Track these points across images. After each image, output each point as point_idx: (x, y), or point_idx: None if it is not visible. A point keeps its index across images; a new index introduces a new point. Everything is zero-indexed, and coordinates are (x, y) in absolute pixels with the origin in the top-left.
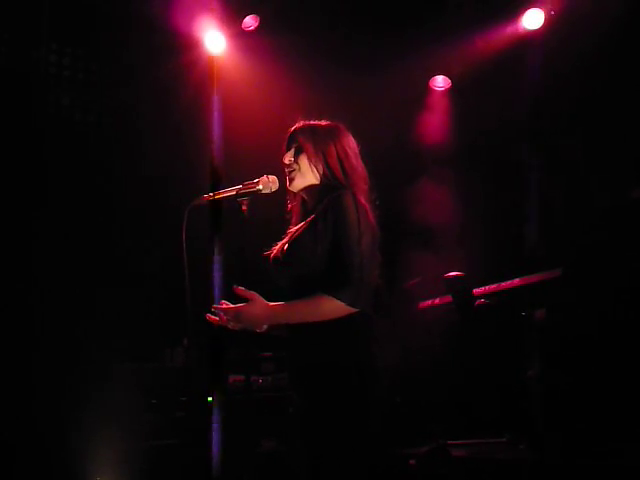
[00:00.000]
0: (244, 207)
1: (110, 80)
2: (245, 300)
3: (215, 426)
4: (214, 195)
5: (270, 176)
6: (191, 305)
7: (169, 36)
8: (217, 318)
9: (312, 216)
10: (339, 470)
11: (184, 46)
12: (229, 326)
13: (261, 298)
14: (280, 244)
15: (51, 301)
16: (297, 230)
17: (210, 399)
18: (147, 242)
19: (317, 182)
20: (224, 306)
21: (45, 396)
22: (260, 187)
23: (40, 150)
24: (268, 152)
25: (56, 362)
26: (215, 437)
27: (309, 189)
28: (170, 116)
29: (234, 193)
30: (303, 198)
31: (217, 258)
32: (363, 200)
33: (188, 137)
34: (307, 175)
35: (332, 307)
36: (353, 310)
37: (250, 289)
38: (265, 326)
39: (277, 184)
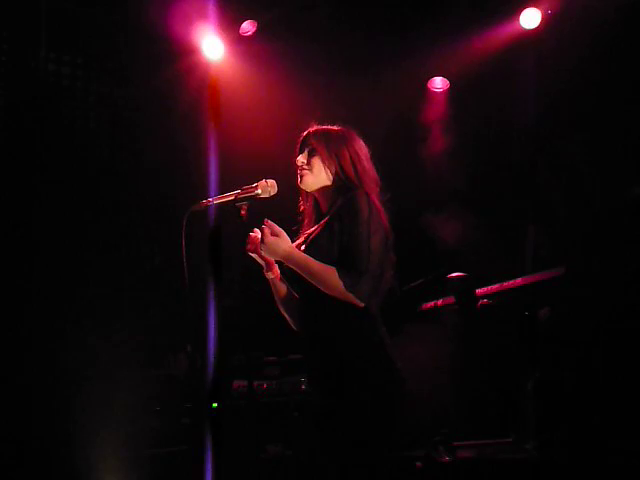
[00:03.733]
0: (243, 212)
1: (109, 88)
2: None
3: (220, 432)
4: (213, 200)
5: (269, 180)
6: (192, 311)
7: (167, 43)
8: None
9: (327, 217)
10: (369, 466)
11: (182, 52)
12: (248, 247)
13: (287, 237)
14: (295, 245)
15: (52, 308)
16: (314, 232)
17: (214, 405)
18: (148, 248)
19: (330, 183)
20: (264, 227)
21: (48, 403)
22: (259, 191)
23: (41, 159)
24: (267, 156)
25: (58, 369)
26: (220, 443)
27: (322, 190)
28: (169, 122)
29: (233, 198)
30: (316, 199)
31: (217, 263)
32: (377, 201)
33: (187, 142)
34: (320, 176)
35: (334, 283)
36: (350, 295)
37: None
38: (276, 273)
39: (276, 188)
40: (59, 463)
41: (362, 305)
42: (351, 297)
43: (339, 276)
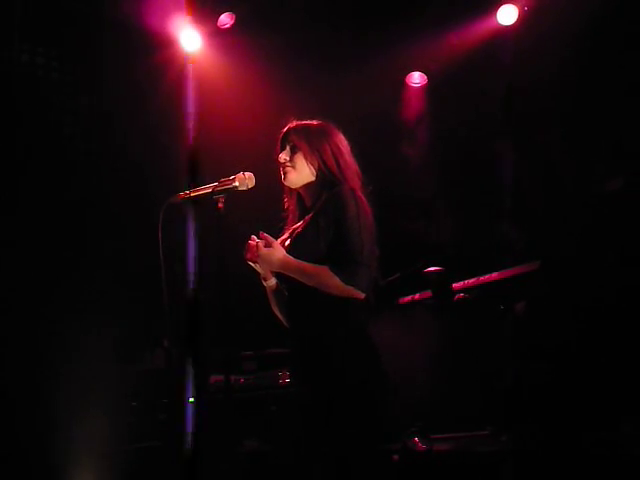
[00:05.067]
0: (220, 204)
1: (85, 79)
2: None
3: (196, 427)
4: (190, 193)
5: (246, 173)
6: (169, 305)
7: (144, 34)
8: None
9: (312, 213)
10: (353, 453)
11: (159, 44)
12: (248, 256)
13: (280, 247)
14: (280, 240)
15: (28, 303)
16: (299, 227)
17: (191, 400)
18: (124, 242)
19: (313, 179)
20: (259, 240)
21: (23, 399)
22: (236, 184)
23: (15, 151)
24: (244, 149)
25: (33, 364)
26: (196, 438)
27: (306, 186)
28: (146, 114)
29: (210, 191)
30: (300, 196)
31: (193, 256)
32: (362, 195)
33: (164, 135)
34: (303, 172)
35: (332, 281)
36: (351, 288)
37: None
38: (273, 281)
39: (253, 181)
40: (34, 459)
41: (362, 296)
42: (351, 290)
43: (334, 273)
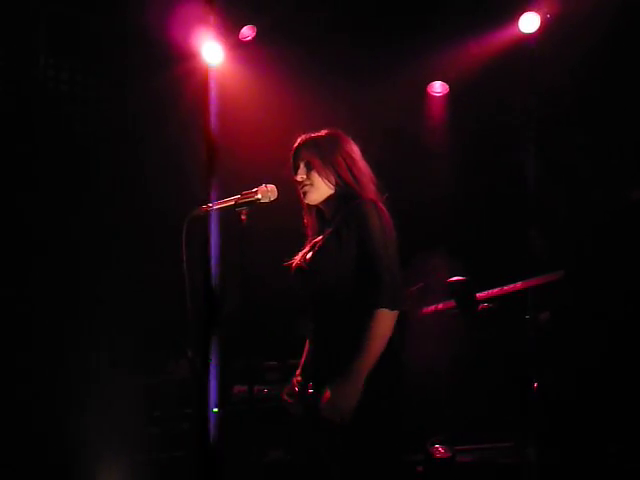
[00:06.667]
0: (243, 217)
1: (108, 93)
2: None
3: (221, 437)
4: (213, 205)
5: (269, 185)
6: (193, 316)
7: (166, 47)
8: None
9: (334, 226)
10: (376, 466)
11: (182, 57)
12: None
13: (328, 390)
14: (301, 254)
15: (51, 313)
16: (321, 239)
17: (215, 410)
18: (148, 253)
19: (332, 192)
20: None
21: (47, 411)
22: (259, 196)
23: (40, 163)
24: (266, 162)
25: (57, 375)
26: (221, 448)
27: (326, 200)
28: (168, 126)
29: (233, 203)
30: (319, 210)
31: (216, 268)
32: (383, 207)
33: (186, 148)
34: (321, 188)
35: (384, 319)
36: (397, 312)
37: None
38: None
39: (276, 193)
40: (57, 469)
41: (403, 309)
42: (397, 312)
43: (381, 308)
